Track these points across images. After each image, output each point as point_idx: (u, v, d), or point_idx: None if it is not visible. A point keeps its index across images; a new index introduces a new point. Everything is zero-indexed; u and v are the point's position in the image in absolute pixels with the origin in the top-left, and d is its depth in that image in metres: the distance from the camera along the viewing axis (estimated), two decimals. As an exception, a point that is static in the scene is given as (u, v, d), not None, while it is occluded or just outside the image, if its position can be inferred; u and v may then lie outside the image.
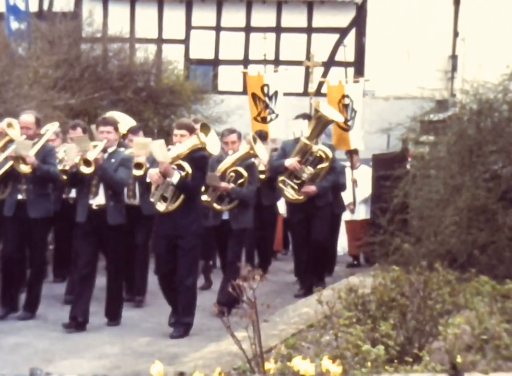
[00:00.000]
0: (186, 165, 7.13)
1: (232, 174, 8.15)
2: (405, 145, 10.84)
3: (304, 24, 19.21)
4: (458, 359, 4.85)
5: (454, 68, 17.82)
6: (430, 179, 9.52)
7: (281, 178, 9.19)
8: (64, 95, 12.19)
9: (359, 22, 19.20)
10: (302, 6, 19.24)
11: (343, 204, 10.94)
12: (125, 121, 9.26)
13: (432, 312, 5.36)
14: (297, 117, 10.20)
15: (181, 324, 7.14)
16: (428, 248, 8.67)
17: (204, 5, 19.10)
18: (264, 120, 12.19)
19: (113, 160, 7.46)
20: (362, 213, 11.68)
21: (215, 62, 18.76)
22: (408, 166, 10.28)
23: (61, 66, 13.33)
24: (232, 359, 5.37)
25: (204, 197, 8.03)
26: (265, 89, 12.42)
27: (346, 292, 5.78)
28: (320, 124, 9.20)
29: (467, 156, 9.11)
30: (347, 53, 12.80)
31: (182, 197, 7.10)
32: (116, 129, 7.64)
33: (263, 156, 8.56)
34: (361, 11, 19.14)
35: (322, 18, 19.10)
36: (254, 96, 12.43)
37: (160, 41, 18.11)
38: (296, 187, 9.15)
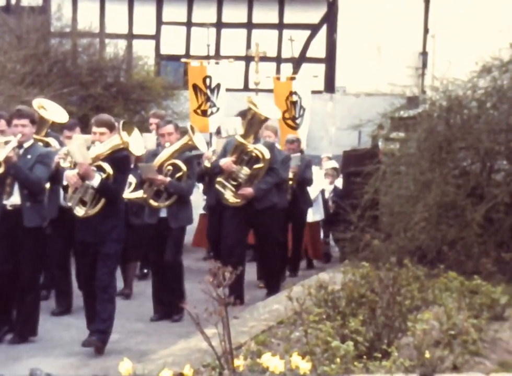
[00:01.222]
0: (107, 167, 6.51)
1: (170, 167, 7.57)
2: (375, 142, 10.88)
3: (275, 20, 19.22)
4: (427, 354, 4.88)
5: (424, 65, 17.95)
6: (400, 176, 9.56)
7: (219, 179, 8.45)
8: (32, 90, 12.08)
9: (330, 19, 19.25)
10: (273, 2, 19.25)
11: (310, 200, 10.64)
12: (56, 112, 8.40)
13: (401, 308, 5.39)
14: (238, 114, 9.66)
15: (99, 332, 6.52)
16: (398, 245, 8.71)
17: (174, 0, 19.02)
18: (204, 113, 11.65)
19: (29, 156, 6.74)
20: (309, 215, 10.85)
21: (186, 58, 18.72)
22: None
23: (30, 61, 13.22)
24: (202, 355, 5.35)
25: (139, 193, 7.66)
26: (207, 80, 11.88)
27: (316, 288, 5.79)
28: (256, 121, 8.35)
29: (437, 152, 9.16)
30: (294, 47, 12.35)
31: (102, 201, 6.51)
32: (33, 121, 6.84)
33: (202, 148, 7.94)
34: (332, 7, 19.19)
35: (293, 14, 19.12)
36: (195, 87, 11.85)
37: (130, 36, 18.00)
38: (234, 189, 8.39)
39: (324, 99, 19.20)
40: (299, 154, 10.15)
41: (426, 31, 18.66)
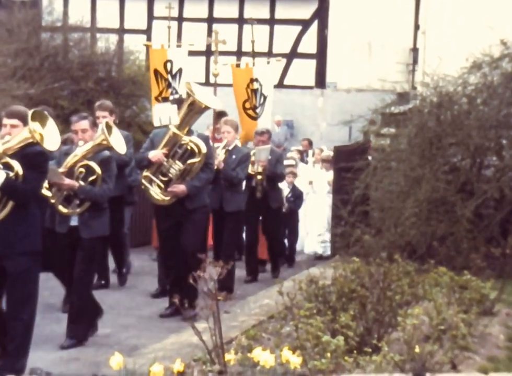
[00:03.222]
0: (15, 164, 5.61)
1: (82, 169, 6.54)
2: (366, 138, 10.90)
3: (266, 15, 19.21)
4: (417, 349, 4.90)
5: (415, 61, 17.96)
6: (390, 171, 9.59)
7: (145, 174, 7.52)
8: (23, 84, 12.06)
9: (321, 14, 19.26)
10: (265, -3, 19.26)
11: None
12: None
13: (391, 303, 5.42)
14: (172, 101, 8.95)
15: (10, 369, 5.47)
16: (388, 240, 8.76)
17: (166, -5, 18.99)
18: (165, 100, 10.60)
19: None
20: None
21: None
22: (369, 158, 10.34)
23: (21, 55, 13.19)
24: (193, 350, 5.38)
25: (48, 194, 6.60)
26: (168, 65, 10.95)
27: (306, 283, 5.82)
28: (193, 110, 7.43)
29: (427, 148, 9.20)
30: (256, 42, 11.23)
31: (10, 204, 5.58)
32: None
33: (118, 148, 6.78)
34: (324, 3, 19.20)
35: (284, 10, 19.12)
36: (156, 73, 10.93)
37: (121, 31, 17.96)
38: (162, 185, 7.47)
39: (315, 94, 19.24)
40: (268, 146, 9.52)
41: (417, 27, 18.67)
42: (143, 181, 7.56)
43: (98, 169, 6.56)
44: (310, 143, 15.77)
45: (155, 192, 7.50)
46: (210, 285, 4.74)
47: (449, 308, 5.87)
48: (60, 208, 6.58)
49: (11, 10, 14.88)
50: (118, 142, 6.74)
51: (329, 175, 11.52)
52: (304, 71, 19.23)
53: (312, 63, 19.39)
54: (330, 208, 11.31)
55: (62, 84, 13.46)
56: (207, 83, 17.09)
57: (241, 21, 19.10)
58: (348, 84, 18.86)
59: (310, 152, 14.54)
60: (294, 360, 4.67)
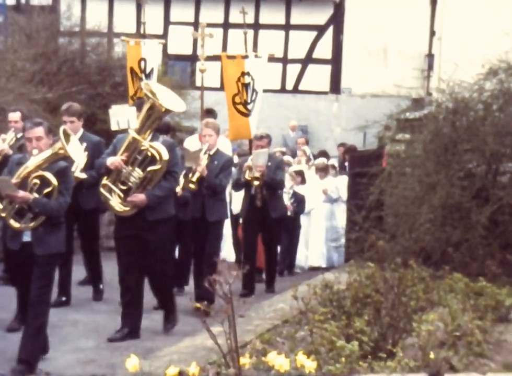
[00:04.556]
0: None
1: (36, 180, 6.00)
2: (381, 143, 10.91)
3: (282, 21, 19.26)
4: (431, 355, 4.91)
5: (430, 67, 17.94)
6: (405, 177, 9.58)
7: (104, 182, 6.89)
8: (41, 89, 12.15)
9: (337, 20, 19.29)
10: (280, 3, 19.29)
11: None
12: None
13: (406, 309, 5.42)
14: (134, 104, 8.42)
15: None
16: (403, 245, 8.74)
17: (182, 1, 19.09)
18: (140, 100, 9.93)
19: None
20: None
21: (193, 58, 18.76)
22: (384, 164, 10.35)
23: (39, 59, 13.28)
24: (208, 353, 5.39)
25: None
26: (142, 63, 10.39)
27: (321, 288, 5.83)
28: (153, 114, 6.76)
29: (442, 154, 9.19)
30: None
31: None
32: None
33: (76, 158, 6.26)
34: (339, 8, 19.22)
35: (299, 15, 19.17)
36: (132, 71, 10.40)
37: (138, 36, 18.05)
38: (122, 195, 6.82)
39: (329, 100, 19.25)
40: (266, 150, 8.95)
41: (432, 33, 18.64)
42: (101, 190, 6.89)
43: (54, 181, 6.01)
44: (307, 142, 15.36)
45: (115, 202, 6.84)
46: (225, 289, 4.76)
47: (464, 315, 5.88)
48: (12, 222, 6.01)
49: (30, 15, 15.02)
50: (77, 151, 6.23)
51: (324, 183, 11.43)
52: (319, 76, 19.27)
53: (327, 68, 19.41)
54: (326, 218, 11.28)
55: (79, 89, 13.54)
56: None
57: (256, 26, 19.16)
58: (363, 89, 18.92)
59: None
60: (309, 365, 4.69)
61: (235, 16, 19.24)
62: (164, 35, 19.00)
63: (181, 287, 8.72)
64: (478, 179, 9.03)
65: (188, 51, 18.86)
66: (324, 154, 14.09)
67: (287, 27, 19.31)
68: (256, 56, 10.47)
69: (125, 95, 14.41)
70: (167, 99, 6.86)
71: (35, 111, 10.55)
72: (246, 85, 10.03)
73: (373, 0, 18.79)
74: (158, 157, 6.75)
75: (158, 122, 6.91)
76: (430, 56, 18.41)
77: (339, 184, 11.69)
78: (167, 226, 6.96)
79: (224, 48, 19.03)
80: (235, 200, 10.33)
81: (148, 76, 10.24)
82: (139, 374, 4.71)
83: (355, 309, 5.61)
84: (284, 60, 19.31)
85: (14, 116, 8.51)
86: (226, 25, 19.19)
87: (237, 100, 10.44)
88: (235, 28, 18.79)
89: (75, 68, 14.29)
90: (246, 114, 10.09)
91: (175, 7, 19.12)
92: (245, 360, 4.84)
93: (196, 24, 19.09)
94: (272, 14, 19.12)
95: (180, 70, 17.35)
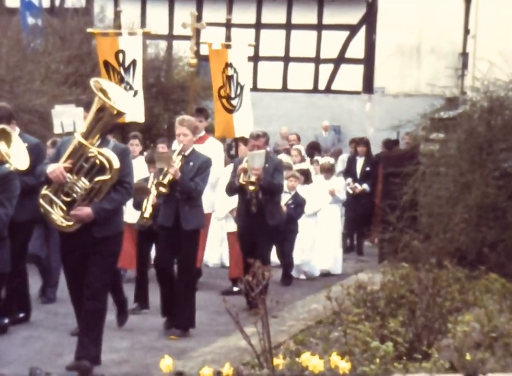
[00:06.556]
0: None
1: None
2: (415, 143, 10.84)
3: (314, 21, 19.21)
4: (468, 356, 4.86)
5: (464, 66, 17.75)
6: (439, 177, 9.52)
7: (44, 192, 5.85)
8: (75, 90, 12.27)
9: (369, 19, 19.19)
10: (313, 3, 19.25)
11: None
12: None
13: (441, 309, 5.37)
14: (81, 104, 7.64)
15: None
16: (437, 246, 8.68)
17: (214, 1, 19.12)
18: None
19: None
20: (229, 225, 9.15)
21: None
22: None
23: (73, 61, 13.43)
24: (241, 354, 5.40)
25: None
26: (120, 56, 9.77)
27: (355, 288, 5.81)
28: (105, 116, 5.80)
29: (477, 154, 9.11)
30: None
31: None
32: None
33: (19, 162, 5.61)
34: (372, 8, 19.12)
35: (332, 15, 19.10)
36: (106, 64, 9.73)
37: (170, 37, 18.13)
38: (65, 207, 5.82)
39: (362, 100, 19.17)
40: (263, 151, 7.98)
41: (467, 31, 18.46)
42: (41, 201, 5.84)
43: None
44: (298, 138, 13.88)
45: (57, 216, 5.83)
46: (258, 290, 4.76)
47: (501, 316, 5.81)
48: None
49: (64, 17, 15.19)
50: (19, 155, 5.53)
51: (330, 184, 10.85)
52: (351, 76, 19.18)
53: (360, 68, 19.33)
54: (338, 220, 10.97)
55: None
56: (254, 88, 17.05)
57: (288, 26, 19.14)
58: (396, 89, 18.80)
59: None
60: (343, 366, 4.66)
61: (266, 17, 19.30)
62: (197, 36, 19.05)
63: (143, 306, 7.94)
64: (514, 179, 8.94)
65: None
66: (315, 147, 13.42)
67: (319, 27, 19.25)
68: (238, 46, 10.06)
69: (157, 96, 14.52)
70: (120, 99, 5.89)
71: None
72: (229, 78, 9.62)
73: (405, -1, 18.69)
74: (107, 165, 5.77)
75: (110, 126, 6.01)
76: (464, 55, 18.21)
77: (338, 184, 11.19)
78: (115, 243, 5.96)
79: (257, 48, 19.05)
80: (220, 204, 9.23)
81: (127, 70, 9.64)
82: (173, 374, 4.72)
83: (389, 310, 5.57)
84: (317, 60, 19.24)
85: None
86: (258, 26, 19.19)
87: (222, 93, 9.94)
88: (267, 28, 18.82)
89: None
90: (230, 110, 9.51)
91: (207, 7, 19.16)
92: (279, 361, 4.83)
93: (228, 25, 19.15)
94: (304, 14, 19.07)
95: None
